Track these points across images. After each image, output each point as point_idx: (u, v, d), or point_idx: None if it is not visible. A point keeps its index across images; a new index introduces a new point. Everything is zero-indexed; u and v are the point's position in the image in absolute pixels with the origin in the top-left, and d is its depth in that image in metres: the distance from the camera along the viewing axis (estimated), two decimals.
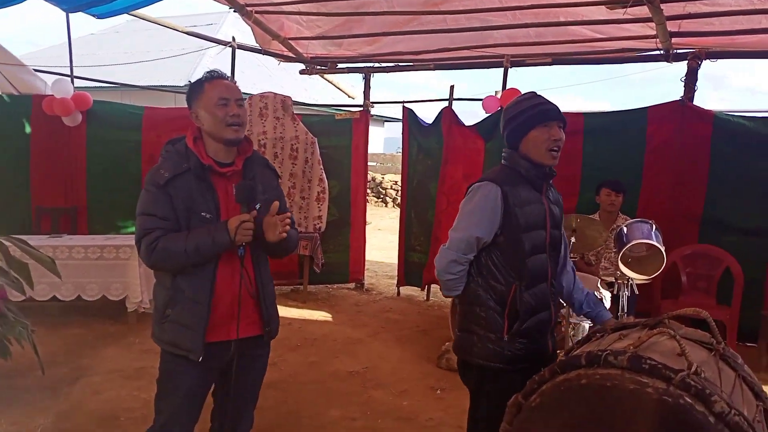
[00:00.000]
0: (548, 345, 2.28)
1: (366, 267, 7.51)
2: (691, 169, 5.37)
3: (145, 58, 11.08)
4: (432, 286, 6.88)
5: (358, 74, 7.22)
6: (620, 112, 5.70)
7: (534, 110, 2.16)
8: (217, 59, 9.01)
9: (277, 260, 2.48)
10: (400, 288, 7.07)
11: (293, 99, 6.61)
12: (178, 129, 4.95)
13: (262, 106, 6.37)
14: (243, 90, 2.30)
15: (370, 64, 7.12)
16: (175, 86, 12.18)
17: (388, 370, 4.53)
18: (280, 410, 3.69)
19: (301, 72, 7.26)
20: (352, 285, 7.29)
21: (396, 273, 7.20)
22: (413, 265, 6.89)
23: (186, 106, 2.24)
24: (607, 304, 4.54)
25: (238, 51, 6.75)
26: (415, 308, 6.51)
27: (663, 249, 3.56)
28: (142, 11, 5.63)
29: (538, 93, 2.26)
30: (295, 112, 6.56)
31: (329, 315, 6.04)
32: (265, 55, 6.90)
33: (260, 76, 14.50)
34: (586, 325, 4.32)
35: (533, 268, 2.16)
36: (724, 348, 1.93)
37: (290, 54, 6.76)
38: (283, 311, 6.02)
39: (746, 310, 4.85)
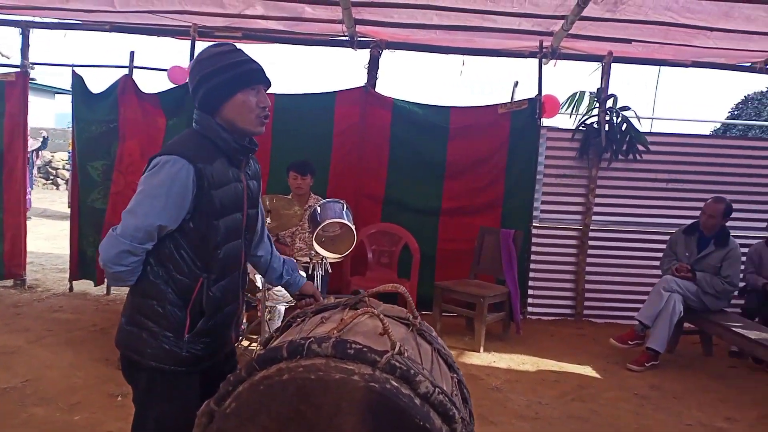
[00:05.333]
0: (231, 337, 2.01)
1: (29, 260, 6.31)
2: (374, 152, 5.71)
3: None
4: None
5: (14, 30, 5.98)
6: (310, 94, 5.76)
7: (240, 69, 1.78)
8: None
9: None
10: (74, 283, 6.11)
11: None
12: None
13: None
14: None
15: (30, 18, 5.95)
16: None
17: (56, 380, 3.78)
18: None
19: None
20: (9, 282, 6.05)
21: (68, 266, 6.20)
22: (90, 255, 6.01)
23: None
24: None
25: None
26: (91, 305, 5.66)
27: (354, 227, 3.62)
28: None
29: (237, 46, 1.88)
30: None
31: None
32: None
33: None
34: (282, 308, 4.24)
35: (226, 257, 1.84)
36: (420, 323, 1.94)
37: None
38: None
39: (422, 281, 5.37)
